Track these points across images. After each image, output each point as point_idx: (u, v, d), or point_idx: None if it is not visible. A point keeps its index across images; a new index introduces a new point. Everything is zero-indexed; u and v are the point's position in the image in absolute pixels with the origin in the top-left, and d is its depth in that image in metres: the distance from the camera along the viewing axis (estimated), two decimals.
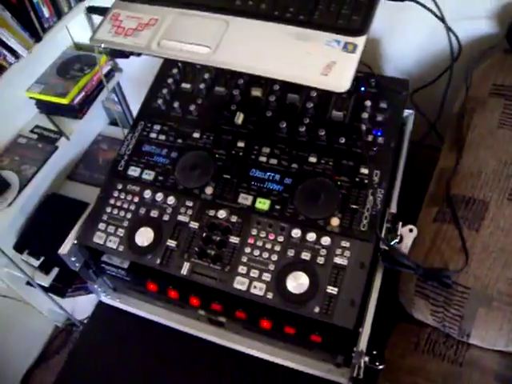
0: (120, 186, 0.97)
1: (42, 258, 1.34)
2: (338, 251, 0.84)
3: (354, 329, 0.81)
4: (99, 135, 1.72)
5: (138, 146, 1.01)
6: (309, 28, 0.73)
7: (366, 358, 0.81)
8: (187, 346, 1.04)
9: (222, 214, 0.90)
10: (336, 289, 0.82)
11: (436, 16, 0.80)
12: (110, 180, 0.99)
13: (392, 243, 0.87)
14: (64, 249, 0.95)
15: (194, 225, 0.91)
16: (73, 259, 0.97)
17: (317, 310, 0.81)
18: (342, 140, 0.93)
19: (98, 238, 0.94)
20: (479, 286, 0.82)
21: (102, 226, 0.94)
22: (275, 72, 0.70)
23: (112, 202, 0.96)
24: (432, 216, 0.91)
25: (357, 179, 0.90)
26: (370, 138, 0.93)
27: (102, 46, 0.81)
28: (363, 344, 0.80)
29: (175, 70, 1.07)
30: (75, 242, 0.95)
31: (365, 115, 0.94)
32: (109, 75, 1.46)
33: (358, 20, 0.72)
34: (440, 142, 1.05)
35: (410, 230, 0.90)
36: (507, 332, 0.81)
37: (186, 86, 1.05)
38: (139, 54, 0.80)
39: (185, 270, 0.88)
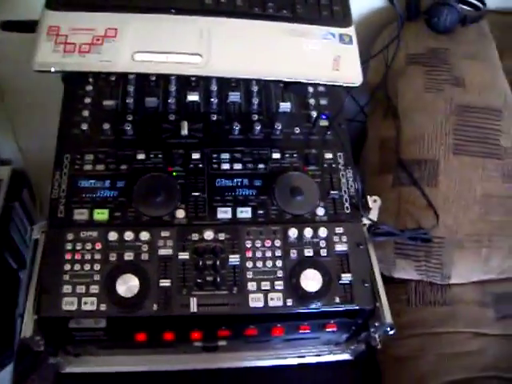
0: (71, 236, 0.80)
1: None
2: (336, 239, 0.84)
3: (374, 305, 0.84)
4: None
5: (73, 183, 0.84)
6: (296, 23, 0.70)
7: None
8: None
9: (208, 235, 0.82)
10: (348, 275, 0.82)
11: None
12: (53, 232, 0.81)
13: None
14: (27, 331, 0.75)
15: (183, 255, 0.80)
16: (37, 339, 0.79)
17: (337, 300, 0.81)
18: (297, 130, 0.92)
19: (69, 305, 0.76)
20: (450, 234, 0.93)
21: (67, 288, 0.76)
22: (287, 74, 0.66)
23: (68, 256, 0.78)
24: (389, 183, 0.98)
25: (325, 165, 0.90)
26: (321, 122, 0.93)
27: (52, 69, 0.64)
28: (388, 316, 0.83)
29: (89, 87, 0.90)
30: (36, 317, 0.77)
31: (312, 101, 0.94)
32: None
33: (339, 10, 0.72)
34: None
35: (374, 201, 0.96)
36: (479, 265, 0.95)
37: (108, 103, 0.89)
38: (108, 75, 0.66)
39: (194, 307, 0.78)
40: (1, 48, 0.88)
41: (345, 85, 0.69)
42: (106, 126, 0.87)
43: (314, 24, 0.72)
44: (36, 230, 0.84)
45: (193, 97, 0.92)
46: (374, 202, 0.94)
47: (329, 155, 0.91)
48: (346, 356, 0.97)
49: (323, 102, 0.95)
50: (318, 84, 0.74)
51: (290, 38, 0.70)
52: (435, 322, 0.95)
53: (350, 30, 0.73)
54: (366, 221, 0.89)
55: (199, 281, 0.80)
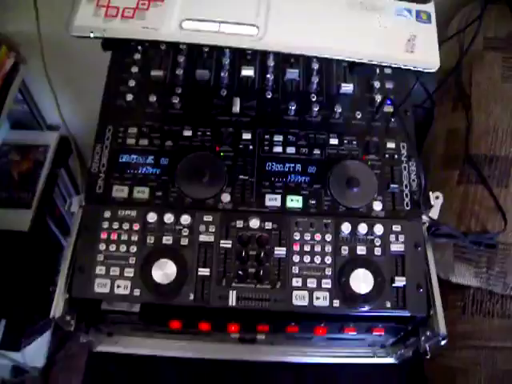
0: (108, 214, 0.71)
1: None
2: (392, 238, 0.72)
3: (428, 313, 0.73)
4: (4, 144, 1.27)
5: (114, 157, 0.75)
6: None
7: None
8: (213, 372, 0.87)
9: (254, 223, 0.71)
10: (402, 278, 0.70)
11: None
12: (90, 208, 0.72)
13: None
14: (57, 311, 0.68)
15: (225, 243, 0.71)
16: (68, 319, 0.71)
17: (388, 305, 0.70)
18: (359, 115, 0.79)
19: (101, 287, 0.68)
20: None
21: (100, 269, 0.69)
22: (352, 53, 0.54)
23: (104, 236, 0.70)
24: (454, 179, 0.85)
25: (386, 155, 0.77)
26: (385, 108, 0.80)
27: (91, 35, 0.54)
28: (442, 327, 0.72)
29: (137, 56, 0.80)
30: (67, 296, 0.70)
31: (376, 84, 0.80)
32: (14, 70, 1.04)
33: None
34: None
35: (436, 197, 0.83)
36: None
37: (157, 73, 0.78)
38: (150, 43, 0.56)
39: (233, 300, 0.69)
40: (45, 12, 0.79)
41: (419, 70, 0.56)
42: (153, 98, 0.77)
43: None
44: (74, 204, 0.76)
45: (247, 71, 0.80)
46: (435, 199, 0.81)
47: (391, 144, 0.78)
48: (390, 360, 0.86)
49: (389, 85, 0.82)
50: (388, 67, 0.60)
51: (358, 11, 0.57)
52: (492, 334, 0.82)
53: (429, 7, 0.59)
54: (425, 219, 0.78)
55: (240, 272, 0.70)
